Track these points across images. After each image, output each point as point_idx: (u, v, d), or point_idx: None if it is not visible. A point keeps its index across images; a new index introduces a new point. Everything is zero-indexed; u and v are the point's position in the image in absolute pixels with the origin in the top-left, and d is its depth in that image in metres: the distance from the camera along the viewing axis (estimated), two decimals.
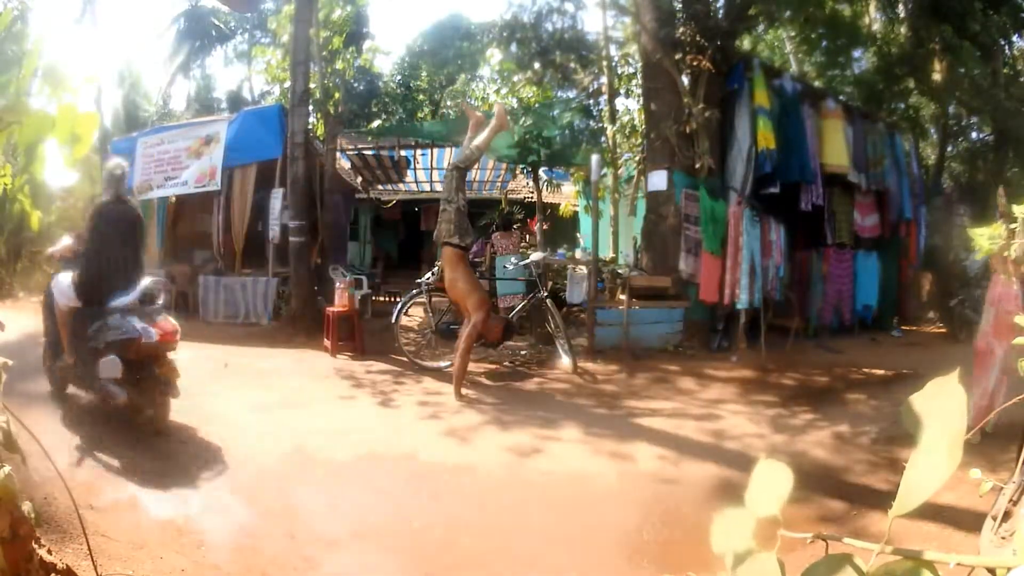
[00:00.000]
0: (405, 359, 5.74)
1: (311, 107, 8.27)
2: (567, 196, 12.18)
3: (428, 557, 2.41)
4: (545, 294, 5.93)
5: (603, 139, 9.51)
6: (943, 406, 0.65)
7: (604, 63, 9.55)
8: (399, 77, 23.52)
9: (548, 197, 11.39)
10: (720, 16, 7.19)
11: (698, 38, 6.70)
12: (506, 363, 5.98)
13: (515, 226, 9.41)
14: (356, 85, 18.86)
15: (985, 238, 1.61)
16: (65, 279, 3.61)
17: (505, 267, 7.35)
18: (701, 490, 3.07)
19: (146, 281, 3.60)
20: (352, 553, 2.43)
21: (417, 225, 16.39)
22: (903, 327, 8.48)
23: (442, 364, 5.59)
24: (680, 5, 7.29)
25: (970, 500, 2.31)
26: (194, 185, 8.40)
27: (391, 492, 2.98)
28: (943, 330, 8.27)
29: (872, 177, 8.11)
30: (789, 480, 0.72)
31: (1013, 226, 1.55)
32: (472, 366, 5.52)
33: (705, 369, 5.81)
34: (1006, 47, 12.10)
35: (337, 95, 9.32)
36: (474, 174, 13.16)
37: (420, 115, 21.46)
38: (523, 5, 8.67)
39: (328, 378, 5.25)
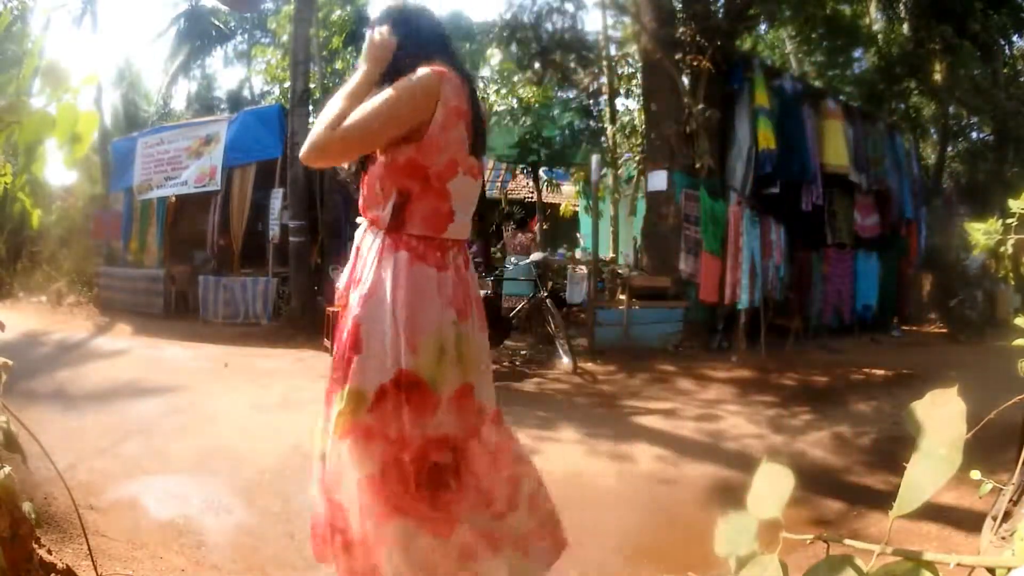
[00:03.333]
0: None
1: (311, 107, 8.27)
2: (567, 196, 12.19)
3: None
4: (545, 294, 5.93)
5: (603, 139, 9.51)
6: (943, 413, 0.66)
7: (604, 63, 9.55)
8: None
9: (548, 197, 11.40)
10: (720, 16, 7.19)
11: (698, 38, 6.70)
12: (505, 363, 5.98)
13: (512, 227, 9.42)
14: None
15: (981, 233, 1.61)
16: None
17: (506, 267, 7.35)
18: (701, 490, 3.07)
19: None
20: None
21: None
22: (903, 327, 8.49)
23: None
24: (680, 5, 7.29)
25: (970, 500, 2.31)
26: (194, 185, 8.41)
27: None
28: (943, 330, 8.27)
29: (872, 177, 8.11)
30: (790, 482, 0.72)
31: (1010, 221, 1.55)
32: None
33: (705, 369, 5.81)
34: (1006, 47, 12.12)
35: None
36: None
37: None
38: (523, 5, 8.66)
39: (328, 378, 5.24)
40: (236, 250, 8.35)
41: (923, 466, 0.64)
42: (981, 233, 1.61)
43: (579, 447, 3.64)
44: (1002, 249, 1.60)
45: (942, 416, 0.66)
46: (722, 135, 7.08)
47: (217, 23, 20.51)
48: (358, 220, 1.62)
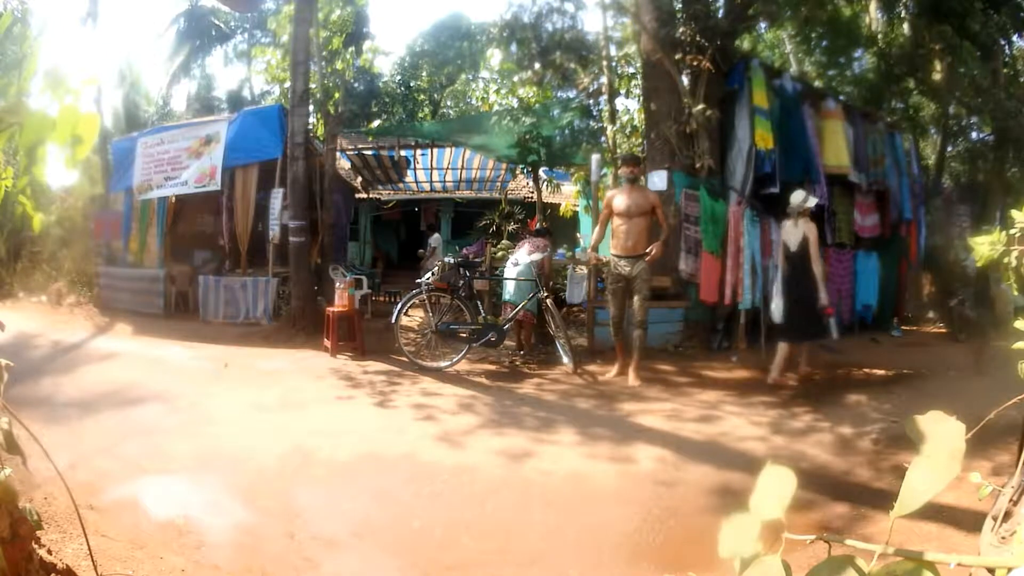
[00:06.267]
0: (405, 359, 5.74)
1: (311, 107, 8.26)
2: (567, 196, 12.18)
3: (428, 557, 2.41)
4: (545, 294, 5.93)
5: (603, 139, 9.50)
6: (942, 429, 0.69)
7: (604, 63, 9.54)
8: (399, 77, 23.53)
9: (548, 197, 11.40)
10: (720, 16, 7.19)
11: (698, 38, 6.70)
12: (505, 363, 5.98)
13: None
14: (356, 85, 18.87)
15: (985, 245, 1.60)
16: None
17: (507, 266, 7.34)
18: (701, 491, 3.07)
19: None
20: (352, 553, 2.43)
21: (417, 225, 16.39)
22: (903, 327, 8.48)
23: (442, 364, 5.59)
24: (680, 5, 7.29)
25: (970, 500, 2.31)
26: (194, 185, 8.40)
27: (391, 492, 2.98)
28: (943, 330, 8.27)
29: (872, 177, 8.11)
30: (792, 484, 0.72)
31: (1013, 231, 1.55)
32: (472, 366, 5.53)
33: (705, 369, 5.80)
34: (1006, 47, 12.11)
35: (337, 95, 9.32)
36: (474, 174, 13.17)
37: (420, 115, 21.48)
38: (523, 5, 8.65)
39: (328, 378, 5.25)
40: (242, 250, 8.36)
41: (923, 470, 0.65)
42: (986, 245, 1.61)
43: (579, 448, 3.64)
44: (1006, 260, 1.60)
45: (942, 431, 0.68)
46: (722, 135, 7.08)
47: (217, 23, 20.52)
48: None
